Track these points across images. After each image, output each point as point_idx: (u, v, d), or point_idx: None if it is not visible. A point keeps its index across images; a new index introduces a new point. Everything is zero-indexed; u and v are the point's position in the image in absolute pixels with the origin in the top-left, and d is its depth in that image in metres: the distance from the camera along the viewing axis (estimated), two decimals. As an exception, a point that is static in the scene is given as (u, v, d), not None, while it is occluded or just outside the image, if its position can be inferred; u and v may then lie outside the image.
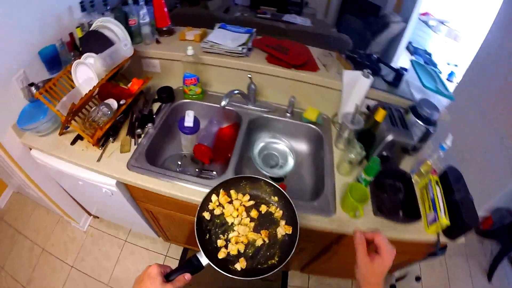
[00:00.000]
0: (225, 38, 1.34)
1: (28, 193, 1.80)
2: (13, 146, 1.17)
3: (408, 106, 1.13)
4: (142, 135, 1.16)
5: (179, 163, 1.18)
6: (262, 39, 1.43)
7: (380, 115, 1.02)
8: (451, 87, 3.53)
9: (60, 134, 1.14)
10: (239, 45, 1.28)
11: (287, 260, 0.66)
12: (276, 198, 0.77)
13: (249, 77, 1.23)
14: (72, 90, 1.09)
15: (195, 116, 1.19)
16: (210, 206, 0.75)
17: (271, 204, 0.77)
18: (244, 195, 0.77)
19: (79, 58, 1.11)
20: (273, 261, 0.69)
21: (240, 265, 0.66)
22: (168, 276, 0.59)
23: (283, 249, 0.70)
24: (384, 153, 1.05)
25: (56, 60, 1.21)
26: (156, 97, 1.32)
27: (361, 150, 1.02)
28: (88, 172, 1.09)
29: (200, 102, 1.34)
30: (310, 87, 1.28)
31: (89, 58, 1.11)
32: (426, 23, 4.13)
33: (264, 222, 0.74)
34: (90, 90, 1.04)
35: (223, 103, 1.08)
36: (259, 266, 0.68)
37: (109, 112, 1.06)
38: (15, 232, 1.90)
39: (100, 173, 1.07)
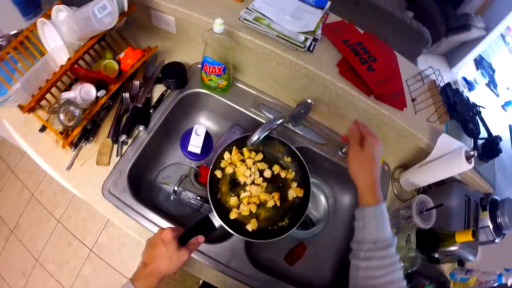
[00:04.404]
0: (282, 9, 0.84)
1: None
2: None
3: (489, 199, 0.86)
4: (129, 143, 0.80)
5: (172, 198, 0.83)
6: (338, 25, 0.91)
7: (462, 237, 0.69)
8: (505, 118, 2.73)
9: (27, 111, 0.79)
10: (303, 31, 0.79)
11: (298, 224, 0.66)
12: (289, 159, 0.76)
13: (309, 103, 0.79)
14: (40, 60, 0.71)
15: (207, 133, 0.80)
16: (222, 164, 0.72)
17: (284, 165, 0.76)
18: (257, 153, 0.74)
19: (59, 3, 0.71)
20: (283, 223, 0.69)
21: (251, 226, 0.65)
22: (181, 239, 0.58)
23: (293, 211, 0.71)
24: (436, 256, 0.80)
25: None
26: (160, 74, 0.91)
27: (416, 255, 0.71)
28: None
29: (222, 98, 0.93)
30: (384, 125, 0.87)
31: (61, 13, 0.69)
32: (503, 37, 3.34)
33: (276, 183, 0.73)
34: (54, 74, 0.67)
35: (254, 139, 0.68)
36: (269, 228, 0.68)
37: (77, 113, 0.69)
38: (7, 169, 1.75)
39: (69, 186, 0.79)
